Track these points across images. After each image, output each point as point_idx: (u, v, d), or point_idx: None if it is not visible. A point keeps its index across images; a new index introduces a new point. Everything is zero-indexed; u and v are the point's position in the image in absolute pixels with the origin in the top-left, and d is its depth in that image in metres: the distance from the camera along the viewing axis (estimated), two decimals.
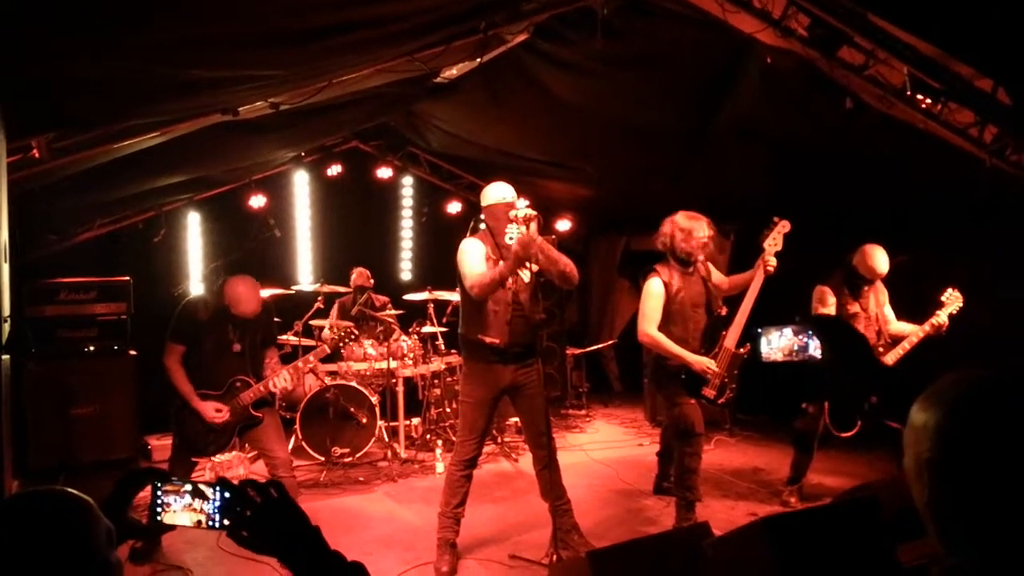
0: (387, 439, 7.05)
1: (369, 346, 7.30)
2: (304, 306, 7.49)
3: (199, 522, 1.49)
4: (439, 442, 6.97)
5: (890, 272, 5.24)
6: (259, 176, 8.35)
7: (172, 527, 1.53)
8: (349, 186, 9.16)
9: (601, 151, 7.26)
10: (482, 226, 4.67)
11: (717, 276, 5.20)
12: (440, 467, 6.46)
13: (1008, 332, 5.26)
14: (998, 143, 4.58)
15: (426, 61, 4.54)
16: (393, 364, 7.03)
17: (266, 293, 5.20)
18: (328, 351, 5.14)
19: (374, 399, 6.85)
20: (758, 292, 4.85)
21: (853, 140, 5.33)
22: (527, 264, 4.41)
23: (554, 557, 4.35)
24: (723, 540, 2.38)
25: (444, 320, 7.74)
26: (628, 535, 4.94)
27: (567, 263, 4.50)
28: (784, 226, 4.92)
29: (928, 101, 4.42)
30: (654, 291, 4.93)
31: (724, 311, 5.09)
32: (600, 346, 9.41)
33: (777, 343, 2.03)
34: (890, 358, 5.16)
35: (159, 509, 1.53)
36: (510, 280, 4.42)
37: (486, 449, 6.47)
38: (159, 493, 1.53)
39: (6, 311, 3.22)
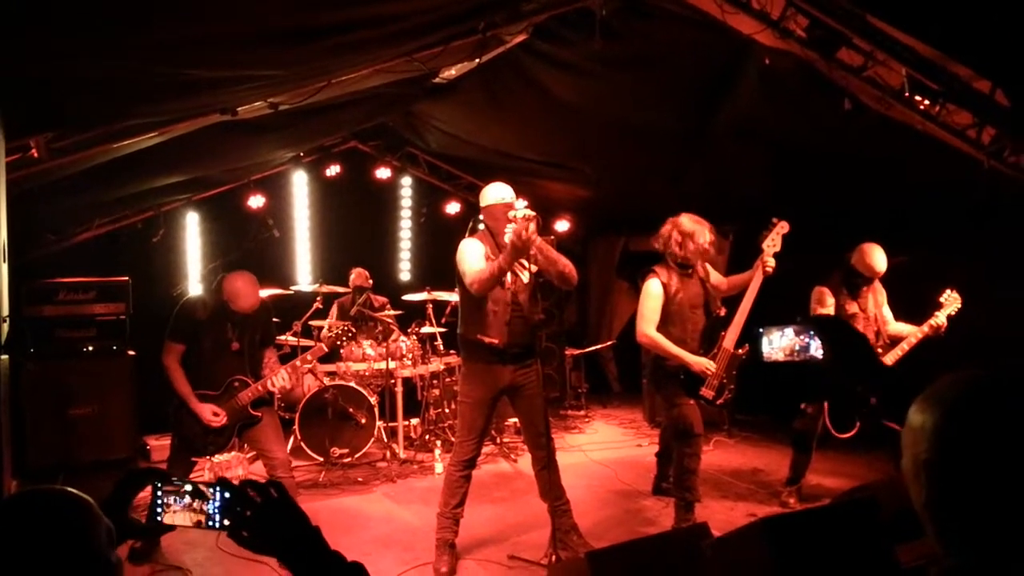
0: (386, 439, 7.05)
1: (368, 346, 7.30)
2: (303, 306, 7.49)
3: (199, 522, 1.49)
4: (438, 442, 6.97)
5: (888, 272, 5.24)
6: (258, 176, 8.35)
7: (172, 527, 1.53)
8: (348, 186, 9.15)
9: (600, 152, 7.27)
10: (481, 226, 4.68)
11: (716, 277, 5.20)
12: (439, 467, 6.46)
13: (1006, 333, 5.27)
14: (996, 144, 4.59)
15: (425, 61, 4.54)
16: (392, 364, 7.03)
17: (265, 293, 5.20)
18: (326, 350, 5.14)
19: (373, 399, 6.85)
20: (757, 293, 4.86)
21: (851, 141, 5.34)
22: (526, 264, 4.41)
23: (553, 558, 4.35)
24: (722, 541, 2.38)
25: (443, 320, 7.74)
26: (627, 536, 4.94)
27: (566, 263, 4.51)
28: (783, 227, 4.93)
29: (926, 102, 4.43)
30: (653, 292, 4.93)
31: (723, 312, 5.10)
32: (599, 347, 9.41)
33: (778, 343, 2.05)
34: (889, 359, 5.16)
35: (159, 509, 1.53)
36: (509, 280, 4.42)
37: (485, 450, 6.47)
38: (159, 493, 1.53)
39: (5, 311, 3.22)
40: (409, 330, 7.47)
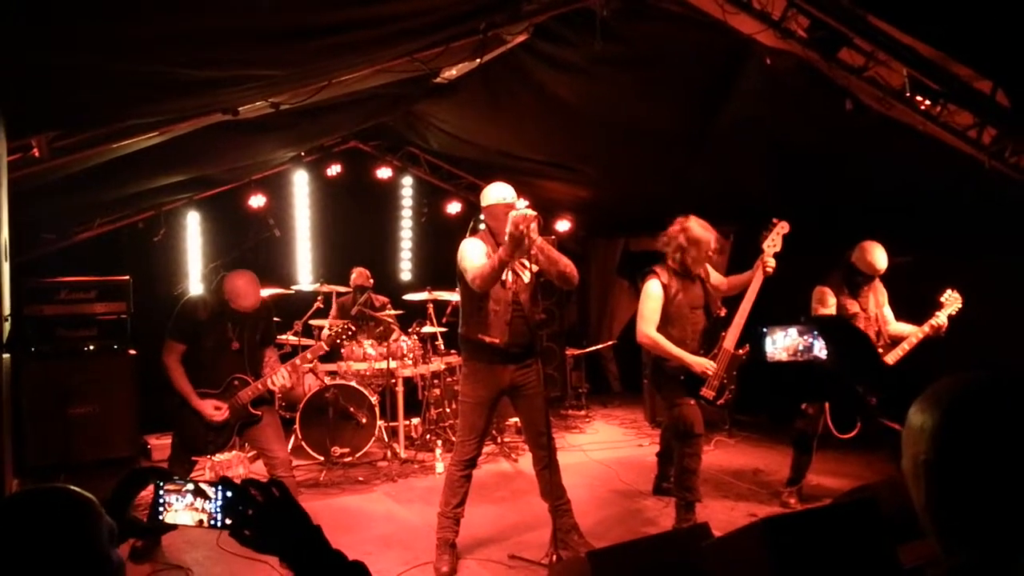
0: (387, 439, 7.05)
1: (369, 346, 7.30)
2: (304, 306, 7.49)
3: (201, 521, 1.50)
4: (439, 442, 6.97)
5: (890, 272, 5.24)
6: (259, 176, 8.35)
7: (174, 526, 1.53)
8: (349, 186, 9.16)
9: (600, 152, 7.26)
10: (482, 226, 4.68)
11: (716, 277, 5.20)
12: (440, 467, 6.46)
13: (1007, 333, 5.27)
14: (997, 145, 4.59)
15: (426, 61, 4.54)
16: (393, 364, 7.04)
17: (266, 293, 5.20)
18: (326, 349, 5.15)
19: (374, 399, 6.85)
20: (757, 293, 4.86)
21: (852, 141, 5.34)
22: (527, 264, 4.42)
23: (554, 557, 4.36)
24: (723, 541, 2.38)
25: (444, 320, 7.75)
26: (628, 535, 4.95)
27: (567, 263, 4.51)
28: (783, 227, 4.93)
29: (927, 103, 4.42)
30: (653, 293, 4.94)
31: (723, 312, 5.10)
32: (599, 347, 9.41)
33: (782, 343, 2.04)
34: (890, 359, 5.16)
35: (161, 508, 1.53)
36: (510, 280, 4.43)
37: (486, 449, 6.47)
38: (161, 492, 1.53)
39: (7, 310, 3.22)
40: (410, 330, 7.48)
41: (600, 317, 10.16)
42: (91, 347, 6.43)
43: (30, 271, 6.46)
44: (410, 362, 7.29)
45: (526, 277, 4.51)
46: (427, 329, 7.54)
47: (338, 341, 5.35)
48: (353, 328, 5.44)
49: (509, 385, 4.55)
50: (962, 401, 1.18)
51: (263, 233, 8.20)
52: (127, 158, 4.86)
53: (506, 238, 4.13)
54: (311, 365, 5.34)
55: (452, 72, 5.55)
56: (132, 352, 6.56)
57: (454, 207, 9.64)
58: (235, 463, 5.50)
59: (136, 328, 6.65)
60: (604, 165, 7.58)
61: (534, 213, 4.19)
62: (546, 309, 8.40)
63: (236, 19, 3.11)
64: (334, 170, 8.93)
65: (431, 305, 7.67)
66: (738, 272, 5.19)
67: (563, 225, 9.90)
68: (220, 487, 1.48)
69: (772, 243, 4.90)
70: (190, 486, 1.52)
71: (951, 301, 5.19)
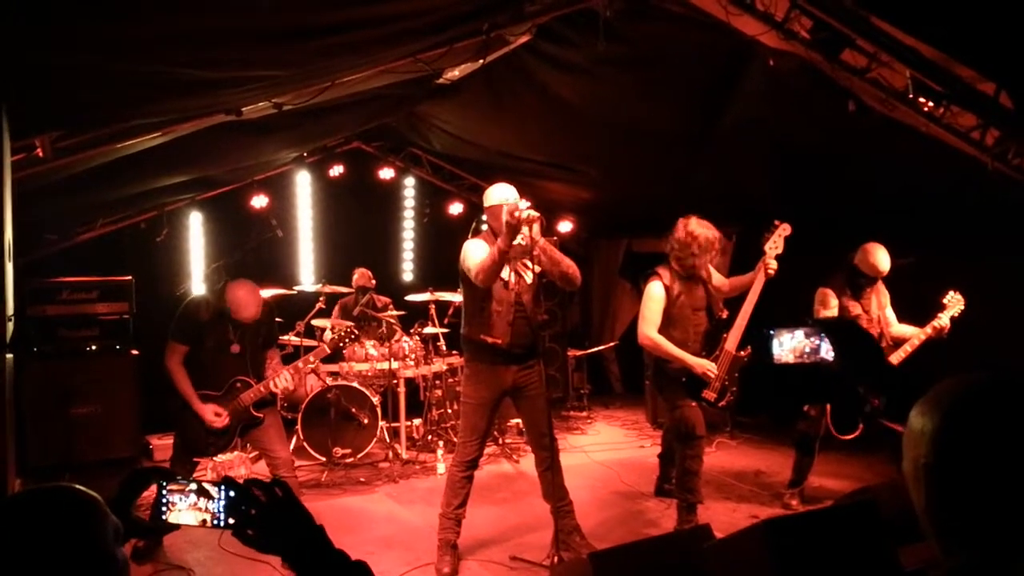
0: (388, 440, 7.05)
1: (371, 347, 7.30)
2: (306, 306, 7.50)
3: (204, 521, 1.50)
4: (440, 443, 6.98)
5: (892, 274, 5.24)
6: (261, 176, 8.36)
7: (177, 526, 1.53)
8: (351, 187, 9.16)
9: (603, 153, 7.27)
10: (484, 227, 4.68)
11: (717, 278, 5.20)
12: (441, 468, 6.46)
13: (1009, 335, 5.27)
14: (1000, 146, 4.58)
15: (429, 62, 4.55)
16: (395, 365, 7.04)
17: (268, 293, 5.21)
18: (328, 351, 5.15)
19: (375, 400, 6.85)
20: (759, 295, 4.86)
21: (855, 143, 5.33)
22: (529, 265, 4.42)
23: (555, 558, 4.35)
24: (724, 542, 2.39)
25: (446, 321, 7.75)
26: (629, 537, 4.94)
27: (569, 264, 4.51)
28: (785, 229, 4.93)
29: (930, 104, 4.42)
30: (655, 294, 4.94)
31: (725, 314, 5.10)
32: (601, 348, 9.41)
33: (788, 345, 2.05)
34: (892, 360, 5.15)
35: (164, 508, 1.53)
36: (513, 281, 4.43)
37: (487, 450, 6.47)
38: (164, 492, 1.54)
39: (10, 310, 3.23)
40: (412, 330, 7.48)
41: (602, 318, 10.16)
42: (93, 347, 6.44)
43: (33, 271, 6.48)
44: (412, 363, 7.28)
45: (528, 278, 4.51)
46: (429, 330, 7.54)
47: (341, 344, 5.36)
48: (356, 332, 5.44)
49: (511, 386, 4.55)
50: (962, 404, 1.18)
51: (265, 233, 8.21)
52: (130, 158, 4.87)
53: (513, 246, 4.16)
54: (313, 366, 5.34)
55: (455, 73, 5.55)
56: (134, 352, 6.57)
57: (456, 208, 9.64)
58: (237, 464, 5.50)
59: (138, 328, 6.67)
60: (606, 166, 7.58)
61: (537, 214, 4.20)
62: (548, 310, 8.41)
63: (236, 19, 3.11)
64: (336, 171, 8.94)
65: (433, 306, 7.67)
66: (740, 273, 5.18)
67: (565, 226, 9.90)
68: (223, 487, 1.48)
69: (774, 245, 4.90)
70: (193, 486, 1.52)
71: (953, 303, 5.18)
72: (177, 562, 4.69)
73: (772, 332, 2.09)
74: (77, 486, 1.38)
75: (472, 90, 6.22)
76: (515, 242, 4.22)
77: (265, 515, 1.44)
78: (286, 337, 7.06)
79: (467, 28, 4.33)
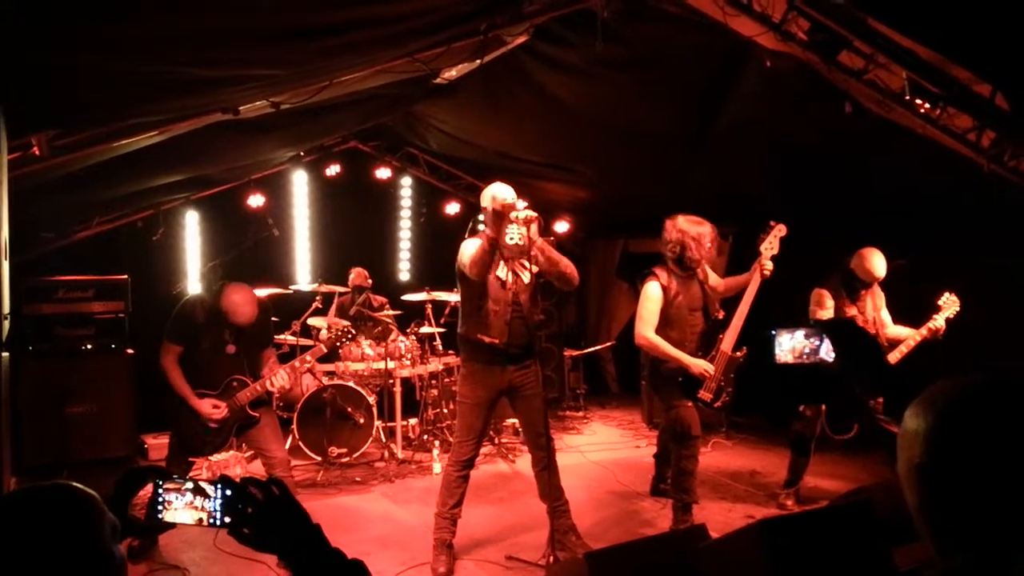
0: (384, 439, 7.05)
1: (367, 346, 7.30)
2: (302, 306, 7.49)
3: (200, 520, 1.49)
4: (436, 443, 6.98)
5: (888, 276, 5.25)
6: (258, 175, 8.34)
7: (172, 525, 1.53)
8: (348, 186, 9.15)
9: (600, 153, 7.27)
10: (481, 227, 4.68)
11: (713, 279, 5.21)
12: (437, 468, 6.46)
13: (1005, 336, 5.28)
14: (996, 148, 4.59)
15: (426, 62, 4.55)
16: (391, 364, 7.04)
17: (264, 292, 5.20)
18: (325, 351, 5.15)
19: (371, 399, 6.85)
20: (754, 296, 4.87)
21: (852, 144, 5.34)
22: (527, 265, 4.42)
23: (551, 558, 4.36)
24: (720, 542, 2.39)
25: (442, 321, 7.75)
26: (625, 536, 4.95)
27: (567, 264, 4.52)
28: (780, 230, 4.94)
29: (927, 106, 4.43)
30: (652, 294, 4.94)
31: (721, 314, 5.11)
32: (598, 348, 9.41)
33: (787, 345, 2.06)
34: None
35: (160, 507, 1.53)
36: (510, 281, 4.43)
37: (483, 450, 6.46)
38: (160, 491, 1.53)
39: (6, 308, 3.23)
40: (408, 330, 7.47)
41: (599, 318, 10.16)
42: (89, 346, 6.43)
43: (29, 270, 6.46)
44: (408, 362, 7.28)
45: (526, 278, 4.51)
46: (425, 330, 7.54)
47: (337, 343, 5.35)
48: (353, 331, 5.44)
49: (508, 386, 4.55)
50: (956, 405, 1.19)
51: (262, 233, 8.20)
52: (127, 157, 4.86)
53: (511, 246, 4.19)
54: (310, 365, 5.34)
55: (452, 73, 5.55)
56: (130, 351, 6.56)
57: (453, 208, 9.64)
58: (232, 463, 5.48)
59: (134, 327, 6.65)
60: (603, 166, 7.59)
61: (535, 214, 4.21)
62: (545, 310, 8.40)
63: (236, 19, 3.11)
64: (333, 170, 8.93)
65: (429, 305, 7.68)
66: (737, 274, 5.20)
67: (562, 226, 9.90)
68: (220, 485, 1.48)
69: (769, 246, 4.91)
70: (190, 484, 1.51)
71: (949, 304, 5.20)
72: (173, 561, 4.68)
73: (774, 332, 2.09)
74: (74, 484, 1.38)
75: (469, 90, 6.22)
76: (513, 242, 4.23)
77: (262, 514, 1.44)
78: (282, 336, 7.06)
79: (465, 28, 4.34)
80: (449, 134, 7.84)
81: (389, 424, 7.18)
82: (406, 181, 9.76)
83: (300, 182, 9.02)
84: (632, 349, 5.29)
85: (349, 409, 6.80)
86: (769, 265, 4.87)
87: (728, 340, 4.91)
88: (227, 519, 1.46)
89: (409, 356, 7.29)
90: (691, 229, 4.90)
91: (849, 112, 4.68)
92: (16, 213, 3.39)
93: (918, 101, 4.40)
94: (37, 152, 3.96)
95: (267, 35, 3.36)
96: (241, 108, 4.47)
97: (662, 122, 6.16)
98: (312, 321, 7.42)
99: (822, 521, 2.23)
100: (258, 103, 4.52)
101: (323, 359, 5.60)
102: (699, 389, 4.87)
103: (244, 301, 4.73)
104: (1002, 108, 4.26)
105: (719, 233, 5.14)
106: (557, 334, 9.19)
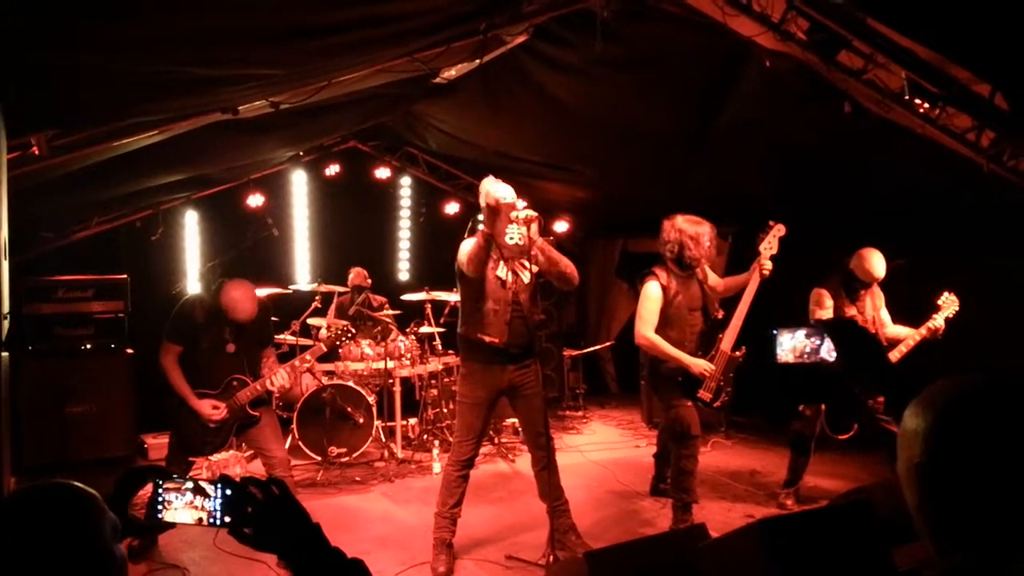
0: (384, 439, 7.05)
1: (366, 346, 7.30)
2: (302, 305, 7.49)
3: (200, 519, 1.49)
4: (436, 442, 6.97)
5: (887, 275, 5.26)
6: (257, 175, 8.35)
7: (172, 524, 1.53)
8: (347, 186, 9.16)
9: (599, 153, 7.27)
10: (480, 226, 4.68)
11: (712, 278, 5.22)
12: (437, 467, 6.46)
13: (1004, 336, 5.28)
14: (995, 148, 4.59)
15: (426, 61, 4.55)
16: (390, 364, 7.04)
17: (263, 292, 5.20)
18: (324, 350, 5.15)
19: (371, 399, 6.85)
20: (754, 295, 4.87)
21: (851, 144, 5.34)
22: (527, 264, 4.43)
23: (551, 558, 4.36)
24: (719, 542, 2.39)
25: (442, 320, 7.75)
26: (625, 536, 4.95)
27: (568, 264, 4.52)
28: (779, 230, 4.94)
29: (926, 106, 4.43)
30: (652, 294, 4.95)
31: (721, 314, 5.11)
32: (597, 347, 9.42)
33: (788, 344, 2.06)
34: None
35: (159, 507, 1.53)
36: (510, 280, 4.43)
37: (483, 450, 6.46)
38: (160, 491, 1.53)
39: (6, 308, 3.22)
40: (408, 330, 7.47)
41: (598, 318, 10.16)
42: (88, 346, 6.43)
43: (28, 270, 6.47)
44: (408, 362, 7.28)
45: (526, 277, 4.51)
46: (425, 329, 7.54)
47: (337, 343, 5.35)
48: (353, 330, 5.44)
49: (507, 385, 4.55)
50: (955, 404, 1.19)
51: (261, 232, 8.20)
52: (126, 157, 4.86)
53: (510, 245, 4.20)
54: (309, 365, 5.34)
55: (451, 72, 5.55)
56: (129, 351, 6.57)
57: (452, 207, 9.64)
58: (232, 463, 5.48)
59: (133, 327, 6.66)
60: (603, 166, 7.58)
61: (535, 214, 4.21)
62: (544, 310, 8.41)
63: (236, 19, 3.11)
64: (332, 170, 8.93)
65: (429, 305, 7.68)
66: (737, 273, 5.20)
67: (561, 226, 9.91)
68: (220, 485, 1.48)
69: (768, 245, 4.91)
70: (190, 484, 1.51)
71: (948, 304, 5.20)
72: (172, 561, 4.68)
73: (776, 332, 2.09)
74: (75, 483, 1.38)
75: (469, 90, 6.22)
76: (513, 242, 4.23)
77: (262, 513, 1.44)
78: (282, 336, 7.06)
79: (464, 28, 4.34)
80: (448, 134, 7.84)
81: (389, 424, 7.18)
82: (405, 181, 9.76)
83: (299, 182, 9.02)
84: (632, 349, 5.29)
85: (349, 409, 6.80)
86: (768, 265, 4.88)
87: (727, 340, 4.91)
88: (227, 518, 1.47)
89: (409, 356, 7.29)
90: (689, 228, 4.91)
91: (848, 112, 4.68)
92: (15, 213, 3.38)
93: (917, 101, 4.40)
94: (36, 152, 3.96)
95: (267, 35, 3.36)
96: (240, 108, 4.47)
97: (661, 122, 6.16)
98: (311, 321, 7.42)
99: (822, 521, 2.23)
100: (257, 103, 4.52)
101: (323, 359, 5.61)
102: (699, 389, 4.87)
103: (244, 297, 4.73)
104: (1001, 108, 4.26)
105: (718, 233, 5.14)
106: (557, 334, 9.19)
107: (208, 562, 4.66)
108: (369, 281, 7.87)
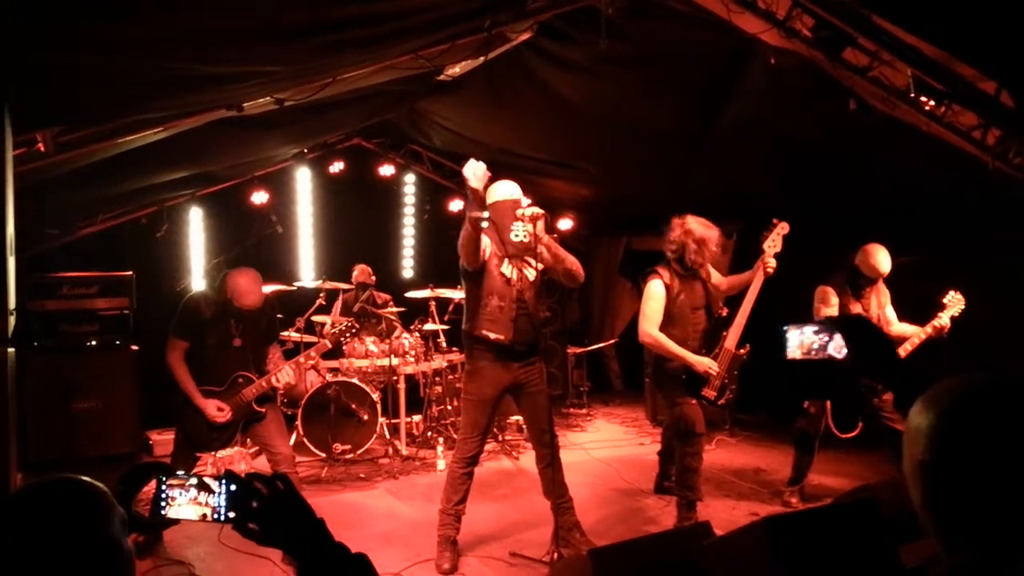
0: (388, 436, 7.06)
1: (371, 343, 7.31)
2: (306, 302, 7.50)
3: (204, 515, 1.50)
4: (440, 439, 6.98)
5: (892, 273, 5.24)
6: (261, 172, 8.36)
7: (176, 521, 1.54)
8: (351, 183, 9.17)
9: (603, 151, 7.26)
10: (485, 224, 4.67)
11: (716, 277, 5.21)
12: (441, 464, 6.47)
13: (1009, 335, 5.27)
14: (1001, 146, 4.58)
15: (430, 59, 4.54)
16: (395, 361, 7.05)
17: (268, 289, 5.21)
18: (329, 346, 5.16)
19: (375, 396, 6.86)
20: (758, 293, 4.86)
21: (856, 141, 5.33)
22: (532, 262, 4.43)
23: (555, 555, 4.36)
24: (724, 540, 2.39)
25: (446, 318, 7.76)
26: (629, 534, 4.95)
27: (573, 261, 4.52)
28: (783, 227, 4.93)
29: (932, 103, 4.42)
30: (655, 292, 4.94)
31: (724, 312, 5.10)
32: (601, 345, 9.42)
33: (796, 341, 2.06)
34: None
35: (163, 503, 1.53)
36: (515, 278, 4.44)
37: (487, 447, 6.48)
38: (163, 487, 1.54)
39: (13, 304, 3.23)
40: (412, 327, 7.48)
41: (602, 315, 10.16)
42: (93, 342, 6.45)
43: (34, 266, 6.48)
44: (412, 359, 7.29)
45: (531, 275, 4.51)
46: (429, 326, 7.55)
47: (341, 339, 5.35)
48: (356, 326, 5.44)
49: (512, 383, 4.55)
50: (960, 403, 1.19)
51: (265, 230, 8.22)
52: (132, 153, 4.87)
53: (515, 242, 4.21)
54: (314, 362, 5.35)
55: (456, 69, 5.55)
56: (134, 348, 6.58)
57: (456, 205, 9.65)
58: (237, 459, 5.51)
59: (138, 324, 6.68)
60: (607, 164, 7.58)
61: (541, 211, 4.21)
62: (548, 307, 8.41)
63: (236, 18, 3.11)
64: (337, 167, 8.95)
65: (433, 302, 7.68)
66: (741, 272, 5.19)
67: (565, 223, 9.90)
68: (224, 481, 1.49)
69: (772, 243, 4.90)
70: (193, 480, 1.52)
71: (954, 302, 5.18)
72: (177, 557, 4.69)
73: (785, 329, 2.09)
74: (84, 477, 1.38)
75: (473, 87, 6.22)
76: (518, 239, 4.24)
77: (267, 508, 1.45)
78: (286, 333, 7.06)
79: (469, 25, 4.33)
80: (453, 131, 7.84)
81: (393, 421, 7.19)
82: (409, 178, 9.77)
83: (304, 179, 9.03)
84: (636, 346, 5.28)
85: (353, 406, 6.80)
86: (772, 263, 4.87)
87: (732, 337, 4.91)
88: (231, 514, 1.47)
89: (413, 353, 7.30)
90: (698, 231, 4.88)
91: (853, 109, 4.67)
92: (21, 209, 3.39)
93: (923, 98, 4.39)
94: (42, 148, 3.97)
95: (269, 33, 3.35)
96: (245, 105, 4.47)
97: (666, 119, 6.15)
98: (316, 318, 7.43)
99: (827, 519, 2.22)
100: (262, 100, 4.52)
101: (327, 356, 5.62)
102: (703, 387, 4.87)
103: (250, 283, 4.74)
104: (1007, 105, 4.25)
105: (723, 231, 5.13)
106: (561, 331, 9.19)
107: (212, 558, 4.67)
108: (373, 278, 7.88)
